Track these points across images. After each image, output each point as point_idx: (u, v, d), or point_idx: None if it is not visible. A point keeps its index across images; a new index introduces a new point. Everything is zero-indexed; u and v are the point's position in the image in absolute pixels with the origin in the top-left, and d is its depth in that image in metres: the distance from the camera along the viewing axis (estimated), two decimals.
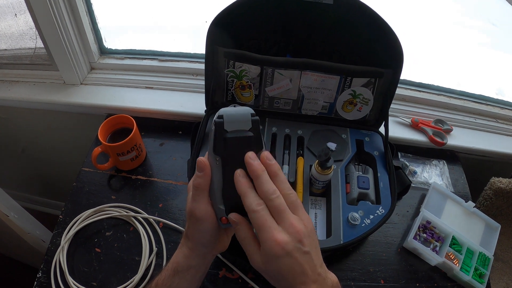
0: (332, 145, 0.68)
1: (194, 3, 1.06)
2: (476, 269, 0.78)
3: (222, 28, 0.75)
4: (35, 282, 0.74)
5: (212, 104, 0.85)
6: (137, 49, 1.09)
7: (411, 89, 1.06)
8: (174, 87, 1.05)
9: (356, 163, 0.82)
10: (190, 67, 1.06)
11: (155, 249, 0.77)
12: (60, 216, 0.83)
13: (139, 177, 0.90)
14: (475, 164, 1.03)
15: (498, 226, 0.86)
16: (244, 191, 0.47)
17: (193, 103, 0.99)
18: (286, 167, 0.77)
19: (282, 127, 0.84)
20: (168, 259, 0.77)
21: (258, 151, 0.50)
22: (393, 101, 0.83)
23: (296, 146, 0.81)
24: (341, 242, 0.68)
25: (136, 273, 0.74)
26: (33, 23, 0.93)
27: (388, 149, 0.81)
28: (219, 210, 0.51)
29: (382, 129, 0.85)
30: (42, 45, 0.98)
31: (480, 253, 0.80)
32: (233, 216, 0.49)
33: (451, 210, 0.87)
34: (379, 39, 0.74)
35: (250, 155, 0.47)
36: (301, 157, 0.79)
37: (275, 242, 0.43)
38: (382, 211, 0.72)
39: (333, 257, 0.78)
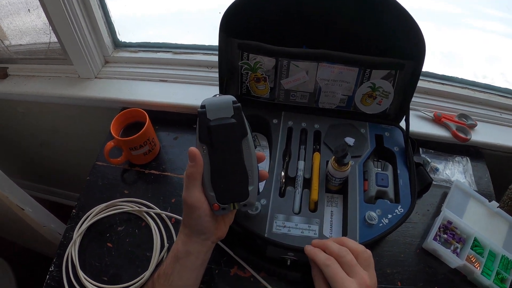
0: (350, 140, 0.65)
1: None
2: (498, 273, 0.74)
3: (235, 19, 0.73)
4: (47, 276, 0.74)
5: None
6: (151, 42, 1.08)
7: (433, 82, 1.02)
8: (188, 80, 1.04)
9: (375, 159, 0.79)
10: (204, 59, 1.05)
11: (166, 245, 0.76)
12: (74, 210, 0.83)
13: (152, 171, 0.89)
14: (500, 162, 0.99)
15: None
16: (313, 252, 0.57)
17: (207, 96, 0.97)
18: (302, 162, 0.75)
19: (298, 121, 0.81)
20: None
21: (243, 137, 0.54)
22: (414, 94, 0.79)
23: (313, 141, 0.78)
24: (357, 242, 0.66)
25: (147, 269, 0.73)
26: (46, 18, 0.93)
27: (409, 145, 0.77)
28: (210, 196, 0.55)
29: (403, 123, 0.82)
30: (56, 40, 0.98)
31: (502, 256, 0.76)
32: (309, 248, 0.59)
33: (473, 210, 0.83)
34: (400, 28, 0.70)
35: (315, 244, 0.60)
36: (317, 152, 0.76)
37: None
38: (401, 210, 0.69)
39: None
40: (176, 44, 1.07)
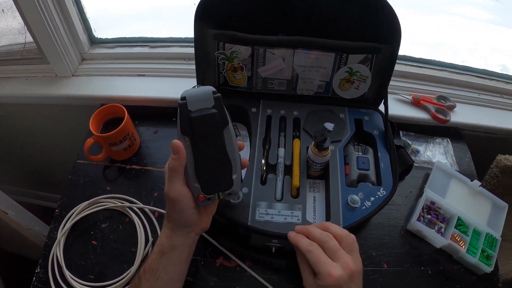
0: (329, 125, 0.65)
1: None
2: (483, 251, 0.75)
3: (210, 8, 0.72)
4: (34, 278, 0.73)
5: None
6: (127, 36, 1.07)
7: (411, 65, 1.03)
8: (166, 73, 1.03)
9: (355, 143, 0.79)
10: (181, 51, 1.04)
11: (150, 239, 0.76)
12: (57, 210, 0.82)
13: (133, 166, 0.88)
14: (480, 142, 1.00)
15: (505, 205, 0.82)
16: (296, 239, 0.57)
17: (186, 89, 0.96)
18: (282, 149, 0.75)
19: (277, 109, 0.81)
20: None
21: (224, 127, 0.54)
22: (392, 78, 0.79)
23: (292, 128, 0.78)
24: (341, 226, 0.66)
25: (133, 264, 0.72)
26: (21, 18, 0.91)
27: (389, 128, 0.78)
28: (194, 188, 0.55)
29: (382, 107, 0.82)
30: (31, 40, 0.97)
31: (487, 234, 0.77)
32: (292, 234, 0.59)
33: (456, 189, 0.84)
34: (374, 12, 0.70)
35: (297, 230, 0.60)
36: (297, 139, 0.76)
37: (330, 276, 0.51)
38: (383, 192, 0.70)
39: None
40: (152, 38, 1.06)
